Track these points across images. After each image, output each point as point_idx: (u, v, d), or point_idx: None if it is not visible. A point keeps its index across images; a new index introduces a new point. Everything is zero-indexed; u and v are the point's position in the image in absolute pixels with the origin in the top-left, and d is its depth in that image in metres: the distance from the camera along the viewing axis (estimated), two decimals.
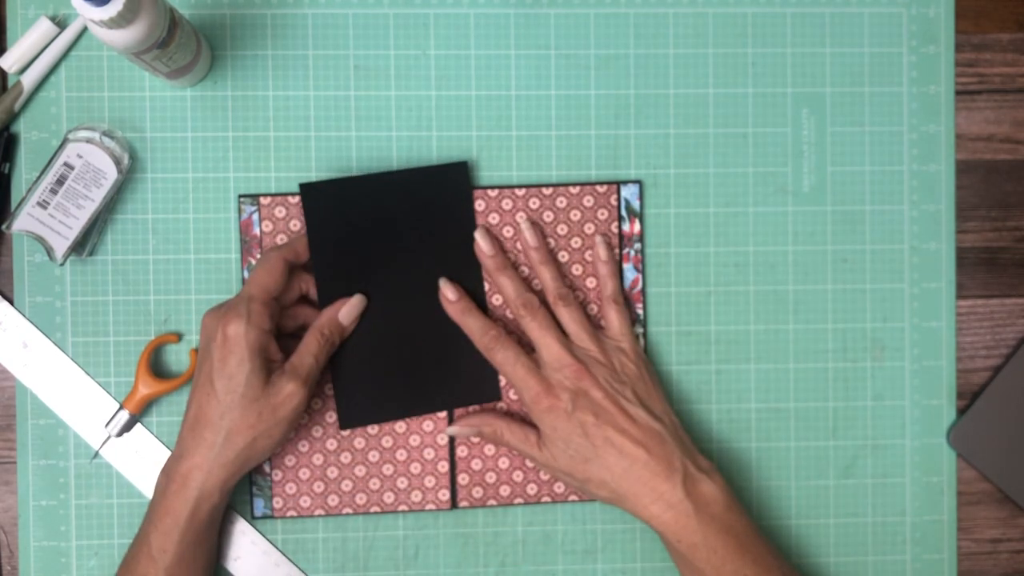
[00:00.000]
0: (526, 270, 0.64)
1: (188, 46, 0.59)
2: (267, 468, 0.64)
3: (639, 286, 0.65)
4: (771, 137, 0.66)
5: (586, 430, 0.59)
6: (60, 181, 0.61)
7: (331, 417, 0.64)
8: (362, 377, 0.62)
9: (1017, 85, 0.67)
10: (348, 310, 0.61)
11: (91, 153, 0.61)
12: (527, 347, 0.62)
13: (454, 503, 0.64)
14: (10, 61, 0.63)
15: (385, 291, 0.62)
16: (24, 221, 0.61)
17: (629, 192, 0.65)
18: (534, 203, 0.64)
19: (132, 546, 0.59)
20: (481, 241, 0.62)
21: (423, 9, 0.65)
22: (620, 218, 0.65)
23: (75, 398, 0.64)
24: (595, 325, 0.63)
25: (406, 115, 0.65)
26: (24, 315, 0.64)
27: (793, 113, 0.66)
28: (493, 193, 0.64)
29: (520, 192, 0.64)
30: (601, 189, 0.65)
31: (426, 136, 0.65)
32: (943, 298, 0.66)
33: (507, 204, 0.64)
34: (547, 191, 0.65)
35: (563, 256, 0.64)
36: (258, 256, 0.64)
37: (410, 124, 0.65)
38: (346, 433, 0.64)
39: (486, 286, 0.64)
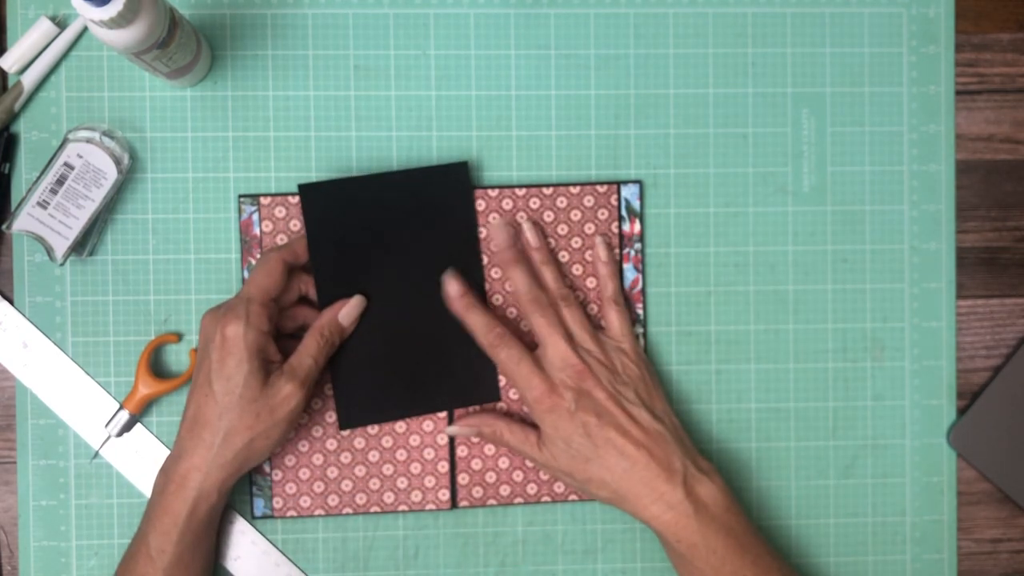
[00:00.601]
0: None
1: (188, 46, 0.59)
2: (267, 468, 0.64)
3: (639, 286, 0.65)
4: (771, 137, 0.66)
5: (588, 430, 0.59)
6: (60, 181, 0.61)
7: (331, 417, 0.64)
8: (362, 378, 0.62)
9: (1017, 85, 0.67)
10: (348, 311, 0.61)
11: (91, 153, 0.61)
12: (528, 347, 0.62)
13: (454, 503, 0.64)
14: (10, 61, 0.63)
15: (384, 292, 0.62)
16: (24, 221, 0.61)
17: (629, 192, 0.65)
18: (534, 203, 0.64)
19: (131, 546, 0.59)
20: (500, 232, 0.63)
21: (423, 9, 0.65)
22: (620, 218, 0.65)
23: (75, 398, 0.64)
24: (595, 326, 0.63)
25: (406, 115, 0.65)
26: (24, 315, 0.64)
27: (793, 113, 0.66)
28: (493, 193, 0.64)
29: (520, 192, 0.64)
30: (601, 189, 0.65)
31: (426, 136, 0.65)
32: (943, 298, 0.66)
33: (507, 204, 0.64)
34: (547, 191, 0.65)
35: (563, 256, 0.64)
36: (258, 256, 0.64)
37: (410, 124, 0.65)
38: (346, 433, 0.64)
39: (487, 286, 0.64)
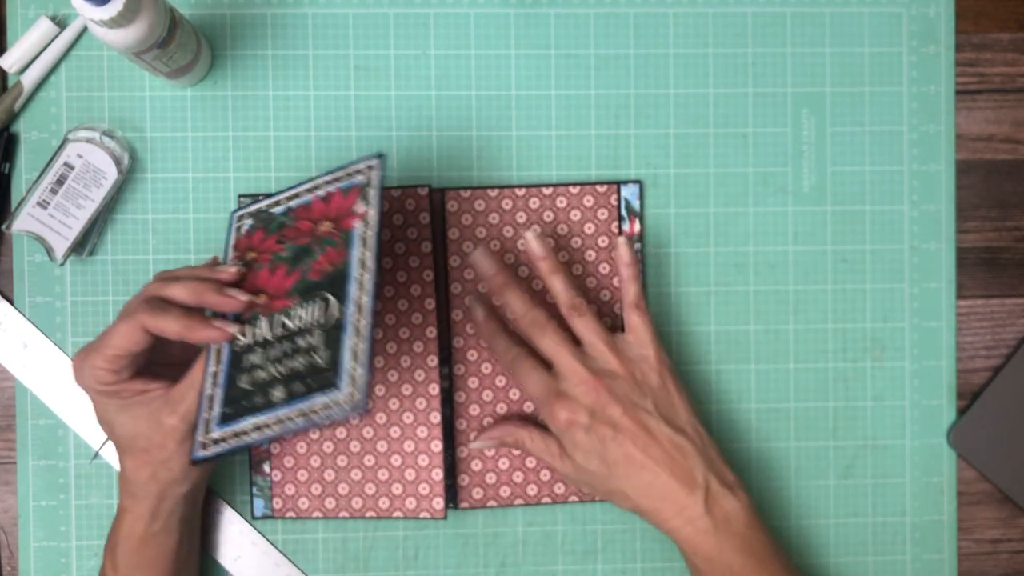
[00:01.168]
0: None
1: (188, 46, 0.59)
2: (267, 469, 0.64)
3: None
4: (771, 137, 0.66)
5: (605, 446, 0.57)
6: (60, 181, 0.61)
7: None
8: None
9: (1017, 85, 0.67)
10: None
11: (91, 153, 0.61)
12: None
13: (454, 504, 0.64)
14: (10, 61, 0.63)
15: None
16: (24, 221, 0.61)
17: (629, 192, 0.65)
18: (534, 203, 0.64)
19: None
20: (483, 261, 0.60)
21: (423, 9, 0.65)
22: (620, 218, 0.65)
23: (75, 398, 0.64)
24: (615, 328, 0.63)
25: (406, 115, 0.65)
26: (24, 315, 0.64)
27: (793, 113, 0.66)
28: (493, 193, 0.64)
29: (520, 192, 0.64)
30: (601, 189, 0.65)
31: (426, 136, 0.65)
32: (943, 298, 0.66)
33: (507, 204, 0.64)
34: (547, 191, 0.65)
35: (563, 256, 0.64)
36: None
37: (410, 124, 0.65)
38: (342, 436, 0.64)
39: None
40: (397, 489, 0.63)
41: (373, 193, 0.55)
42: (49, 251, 0.61)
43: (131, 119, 0.64)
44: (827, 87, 0.66)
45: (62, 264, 0.62)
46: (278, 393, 0.52)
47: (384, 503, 0.64)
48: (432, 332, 0.63)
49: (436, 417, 0.63)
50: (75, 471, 0.64)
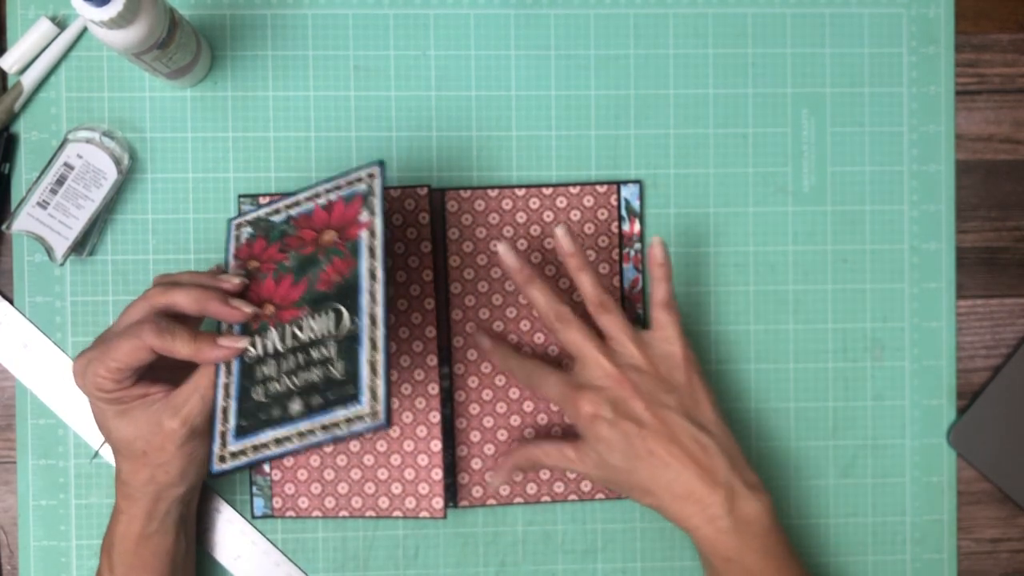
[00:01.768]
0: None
1: (188, 46, 0.59)
2: (267, 468, 0.64)
3: (639, 286, 0.65)
4: (771, 137, 0.66)
5: (629, 441, 0.57)
6: (60, 181, 0.61)
7: None
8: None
9: (1017, 85, 0.67)
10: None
11: (91, 153, 0.61)
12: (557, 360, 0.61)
13: (454, 503, 0.64)
14: (10, 61, 0.63)
15: None
16: (24, 221, 0.61)
17: (629, 192, 0.65)
18: (534, 203, 0.64)
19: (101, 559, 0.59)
20: (508, 256, 0.60)
21: (423, 9, 0.65)
22: (620, 218, 0.65)
23: (75, 398, 0.64)
24: (641, 325, 0.63)
25: (406, 115, 0.65)
26: (24, 315, 0.64)
27: (793, 113, 0.66)
28: (493, 193, 0.64)
29: (520, 192, 0.64)
30: (601, 189, 0.65)
31: (426, 136, 0.65)
32: (943, 298, 0.66)
33: (507, 204, 0.64)
34: (547, 191, 0.65)
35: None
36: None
37: (410, 124, 0.65)
38: None
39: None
40: (396, 488, 0.63)
41: (376, 202, 0.55)
42: (49, 251, 0.61)
43: (131, 119, 0.64)
44: (827, 87, 0.66)
45: (62, 264, 0.62)
46: (296, 406, 0.52)
47: (384, 502, 0.64)
48: (431, 332, 0.63)
49: (435, 416, 0.63)
50: (75, 471, 0.64)
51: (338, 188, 0.57)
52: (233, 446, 0.53)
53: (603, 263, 0.65)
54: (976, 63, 0.67)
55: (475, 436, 0.64)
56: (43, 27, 0.63)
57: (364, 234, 0.54)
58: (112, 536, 0.58)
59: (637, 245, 0.65)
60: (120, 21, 0.51)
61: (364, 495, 0.64)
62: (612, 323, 0.59)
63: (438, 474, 0.63)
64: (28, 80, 0.63)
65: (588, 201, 0.65)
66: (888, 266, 0.66)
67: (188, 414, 0.54)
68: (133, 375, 0.54)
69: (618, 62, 0.65)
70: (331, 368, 0.52)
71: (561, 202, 0.65)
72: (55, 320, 0.64)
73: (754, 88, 0.66)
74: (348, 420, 0.50)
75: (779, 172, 0.66)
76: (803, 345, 0.66)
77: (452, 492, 0.64)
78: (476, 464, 0.64)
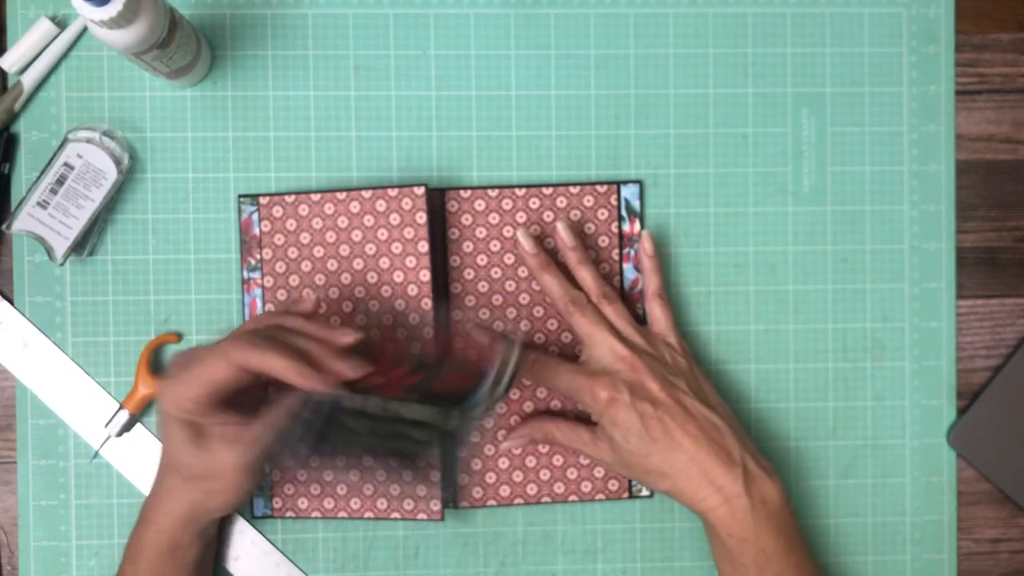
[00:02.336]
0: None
1: (188, 46, 0.59)
2: (267, 468, 0.64)
3: (639, 286, 0.65)
4: (771, 137, 0.66)
5: (646, 422, 0.58)
6: (60, 181, 0.61)
7: None
8: None
9: (1017, 85, 0.67)
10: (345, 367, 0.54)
11: (91, 153, 0.61)
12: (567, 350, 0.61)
13: (454, 503, 0.64)
14: (10, 61, 0.63)
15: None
16: (24, 221, 0.61)
17: (629, 192, 0.65)
18: (534, 203, 0.64)
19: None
20: (523, 240, 0.62)
21: (423, 9, 0.65)
22: (620, 218, 0.65)
23: (75, 398, 0.64)
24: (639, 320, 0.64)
25: (406, 115, 0.65)
26: (24, 315, 0.64)
27: (793, 113, 0.66)
28: (493, 193, 0.64)
29: (520, 192, 0.64)
30: (601, 189, 0.65)
31: (426, 136, 0.65)
32: (943, 298, 0.66)
33: (507, 204, 0.64)
34: (547, 191, 0.65)
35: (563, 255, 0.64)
36: (258, 257, 0.64)
37: (410, 124, 0.65)
38: None
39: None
40: (395, 490, 0.63)
41: (507, 372, 0.55)
42: (49, 251, 0.61)
43: (131, 119, 0.64)
44: (827, 87, 0.66)
45: (62, 264, 0.62)
46: (368, 460, 0.56)
47: (382, 504, 0.64)
48: (429, 332, 0.63)
49: None
50: (75, 471, 0.64)
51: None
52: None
53: (603, 263, 0.65)
54: (976, 63, 0.67)
55: (475, 436, 0.64)
56: (43, 27, 0.63)
57: (493, 370, 0.55)
58: (139, 543, 0.58)
59: (637, 245, 0.65)
60: (120, 21, 0.51)
61: (363, 496, 0.64)
62: (615, 314, 0.61)
63: (436, 476, 0.63)
64: (28, 80, 0.63)
65: (588, 201, 0.65)
66: (888, 266, 0.66)
67: (260, 451, 0.54)
68: (221, 401, 0.54)
69: (618, 62, 0.65)
70: (424, 450, 0.54)
71: (561, 202, 0.65)
72: (55, 320, 0.64)
73: (754, 88, 0.66)
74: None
75: (779, 172, 0.66)
76: (803, 345, 0.66)
77: (452, 493, 0.64)
78: (475, 465, 0.64)
